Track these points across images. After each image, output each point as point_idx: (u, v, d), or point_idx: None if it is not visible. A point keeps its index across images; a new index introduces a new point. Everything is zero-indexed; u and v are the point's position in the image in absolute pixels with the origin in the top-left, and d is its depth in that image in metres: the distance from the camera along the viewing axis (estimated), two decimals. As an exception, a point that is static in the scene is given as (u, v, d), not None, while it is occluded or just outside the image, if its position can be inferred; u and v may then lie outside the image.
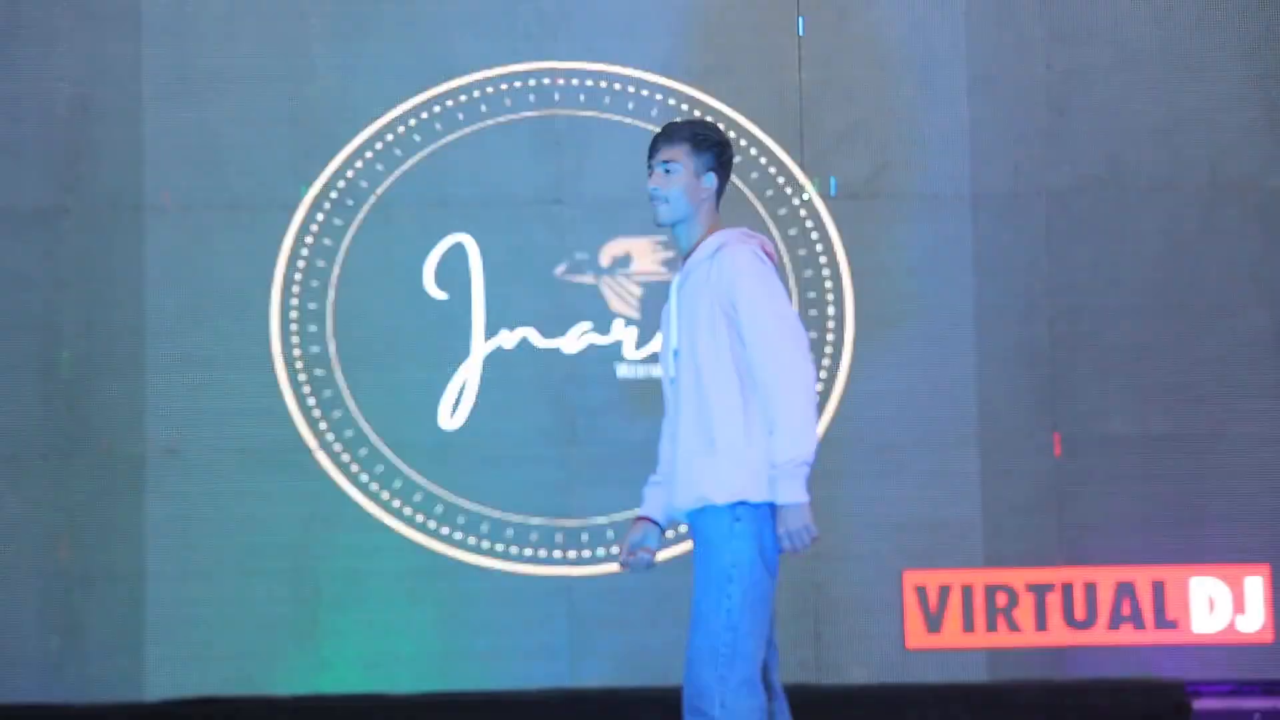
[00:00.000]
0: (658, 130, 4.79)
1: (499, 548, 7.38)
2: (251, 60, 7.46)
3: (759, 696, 4.37)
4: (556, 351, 7.46)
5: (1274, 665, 7.37)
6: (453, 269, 7.48)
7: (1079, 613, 7.39)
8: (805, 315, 7.38)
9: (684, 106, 7.48)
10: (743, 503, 4.43)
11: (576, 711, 7.26)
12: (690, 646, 4.40)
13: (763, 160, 7.52)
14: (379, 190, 7.47)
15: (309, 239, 7.46)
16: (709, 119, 7.20)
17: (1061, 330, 7.47)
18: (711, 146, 4.66)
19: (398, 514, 7.40)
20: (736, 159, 7.24)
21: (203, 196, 7.43)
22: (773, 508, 4.45)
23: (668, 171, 4.66)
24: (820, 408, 7.33)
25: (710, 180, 4.67)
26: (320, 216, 7.47)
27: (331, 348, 7.42)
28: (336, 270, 7.45)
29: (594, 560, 7.39)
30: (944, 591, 7.37)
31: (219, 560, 7.33)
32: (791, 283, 7.41)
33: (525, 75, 7.51)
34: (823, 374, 7.42)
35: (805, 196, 7.51)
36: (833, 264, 7.47)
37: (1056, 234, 7.49)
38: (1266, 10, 7.53)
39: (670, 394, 4.68)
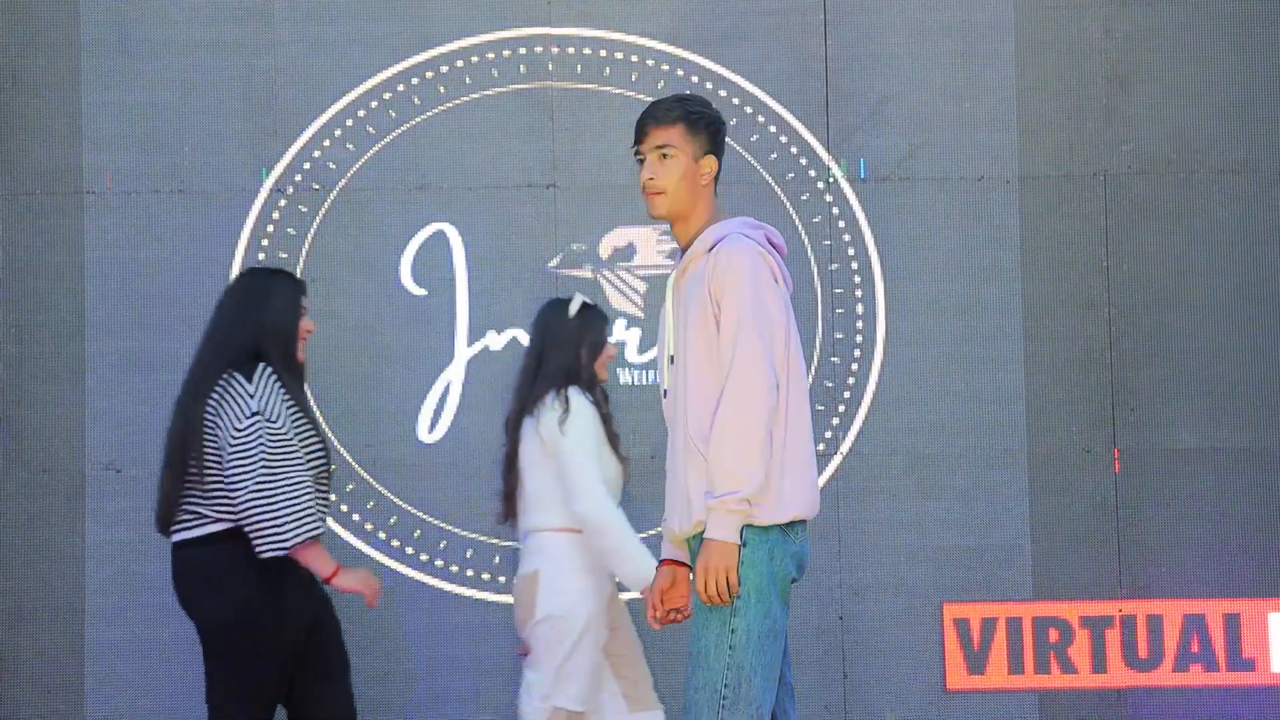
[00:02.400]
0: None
1: (484, 576, 7.34)
2: (204, 27, 7.49)
3: (766, 743, 4.34)
4: (550, 355, 7.42)
5: (1364, 710, 7.35)
6: (433, 262, 7.45)
7: (1141, 651, 7.35)
8: (831, 312, 7.40)
9: (694, 79, 7.46)
10: (748, 526, 4.40)
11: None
12: (688, 687, 4.43)
13: (783, 139, 7.48)
14: (349, 173, 7.46)
15: (270, 228, 7.44)
16: (698, 94, 7.17)
17: (1121, 330, 7.43)
18: (708, 124, 4.70)
19: (371, 538, 7.36)
20: (753, 137, 7.34)
21: (149, 180, 7.43)
22: (783, 530, 4.42)
23: (664, 157, 4.66)
24: (848, 417, 7.36)
25: (710, 163, 4.67)
26: (283, 203, 7.44)
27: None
28: (301, 263, 7.42)
29: (592, 591, 7.34)
30: (988, 626, 7.33)
31: (168, 591, 7.23)
32: (815, 276, 7.39)
33: (514, 43, 7.51)
34: (850, 380, 7.40)
35: (831, 179, 7.48)
36: (861, 255, 7.44)
37: (1116, 221, 7.46)
38: (1355, -30, 7.57)
39: (667, 408, 4.65)
